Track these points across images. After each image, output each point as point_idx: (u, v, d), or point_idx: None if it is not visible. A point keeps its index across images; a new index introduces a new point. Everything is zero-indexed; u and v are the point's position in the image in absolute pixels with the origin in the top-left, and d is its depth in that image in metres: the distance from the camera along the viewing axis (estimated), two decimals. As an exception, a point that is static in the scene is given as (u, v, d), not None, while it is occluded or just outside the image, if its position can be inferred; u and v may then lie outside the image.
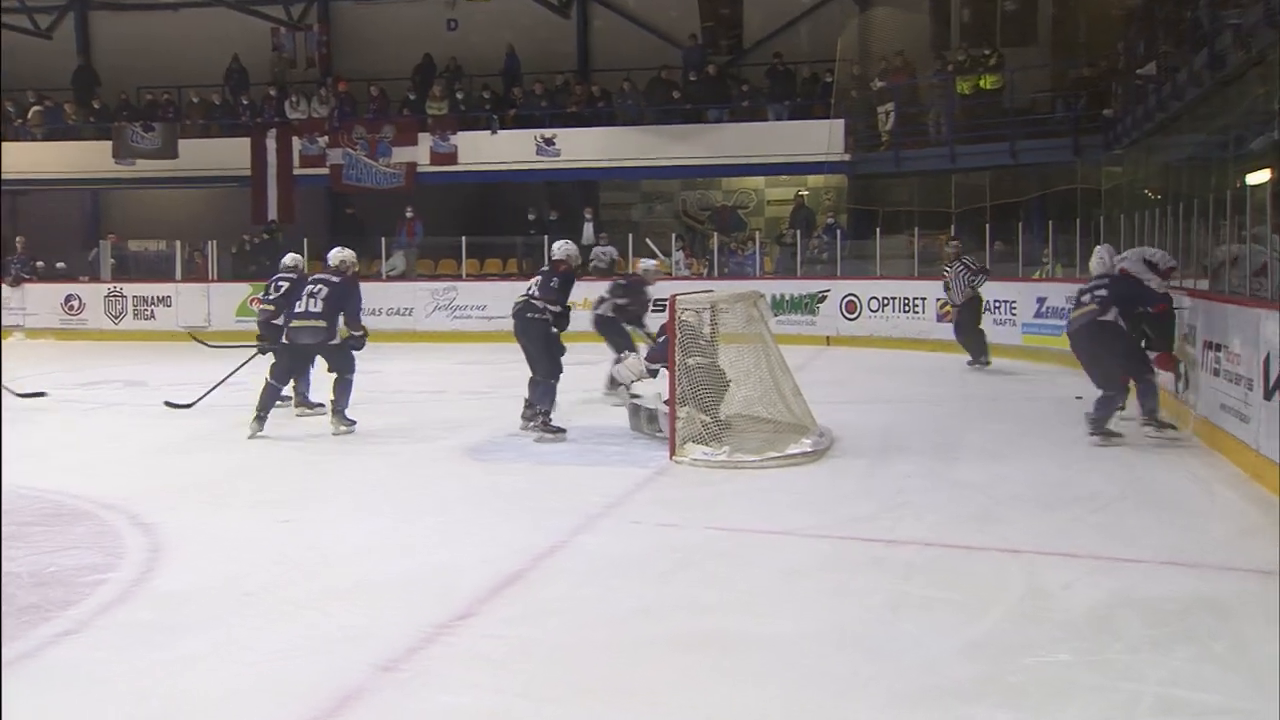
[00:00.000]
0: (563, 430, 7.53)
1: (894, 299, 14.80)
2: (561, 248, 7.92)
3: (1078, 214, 13.53)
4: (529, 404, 7.73)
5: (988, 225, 14.64)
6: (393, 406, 8.61)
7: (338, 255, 8.08)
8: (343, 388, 7.93)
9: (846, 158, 17.36)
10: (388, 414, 8.58)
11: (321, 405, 8.50)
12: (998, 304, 13.11)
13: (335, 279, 7.90)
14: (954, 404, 9.08)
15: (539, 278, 7.74)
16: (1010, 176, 15.95)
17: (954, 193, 16.32)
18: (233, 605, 4.06)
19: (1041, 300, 12.73)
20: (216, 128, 19.64)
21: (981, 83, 15.93)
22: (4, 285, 17.55)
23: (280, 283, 9.06)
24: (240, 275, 17.97)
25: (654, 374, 7.57)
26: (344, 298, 7.80)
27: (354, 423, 7.89)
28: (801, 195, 18.88)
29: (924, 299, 14.40)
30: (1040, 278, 13.72)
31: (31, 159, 19.01)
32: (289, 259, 9.43)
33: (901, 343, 14.31)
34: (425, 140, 18.57)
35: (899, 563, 4.56)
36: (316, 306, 7.78)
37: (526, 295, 7.69)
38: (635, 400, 7.76)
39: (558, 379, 7.65)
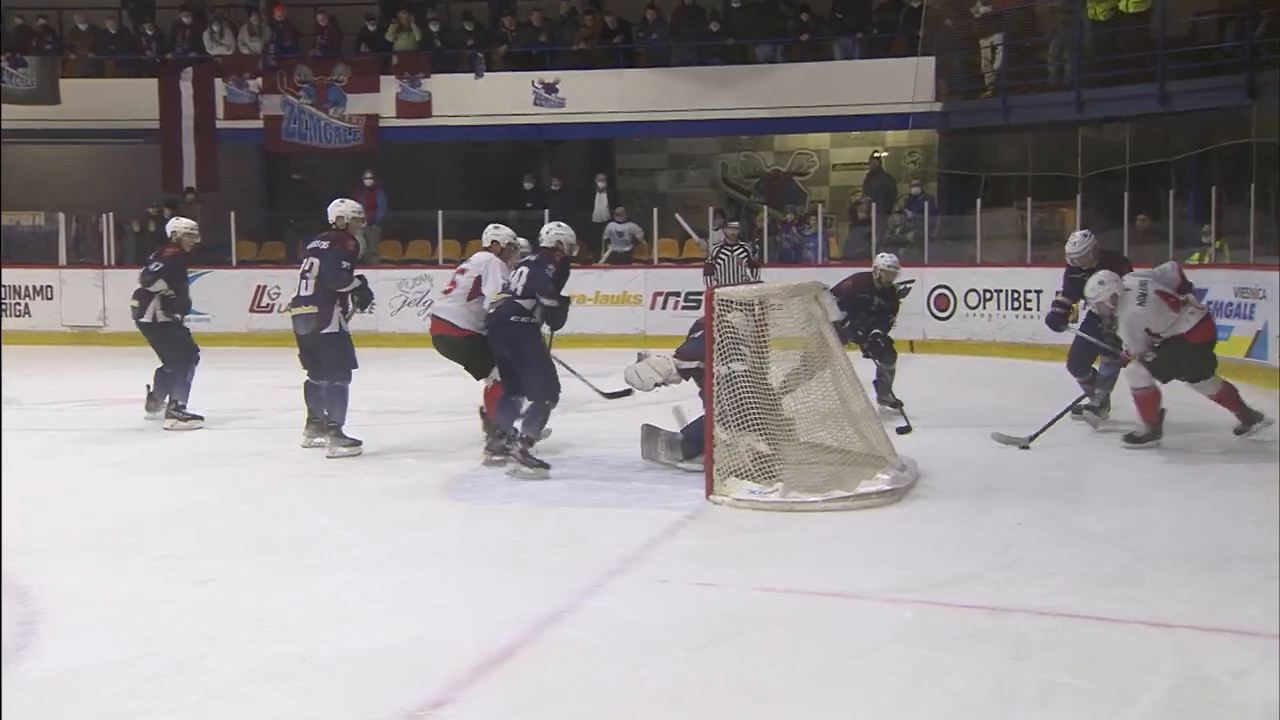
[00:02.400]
0: (546, 466, 7.51)
1: (999, 292, 14.77)
2: (551, 233, 8.01)
3: (1252, 177, 13.40)
4: (499, 429, 7.79)
5: (1126, 194, 14.58)
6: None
7: (335, 210, 8.60)
8: (334, 396, 8.27)
9: (938, 107, 17.36)
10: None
11: (200, 418, 9.30)
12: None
13: (323, 244, 8.38)
14: (1080, 429, 9.03)
15: (525, 268, 7.80)
16: (1158, 129, 15.87)
17: (1081, 152, 16.26)
18: (133, 692, 4.07)
19: (1199, 294, 12.62)
20: (112, 65, 19.79)
21: (1121, 4, 15.85)
22: None
23: (155, 265, 9.57)
24: (146, 259, 18.09)
25: (686, 377, 7.57)
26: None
27: (358, 443, 8.29)
28: (878, 157, 18.89)
29: (1039, 292, 14.32)
30: (1199, 263, 13.62)
31: None
32: (174, 224, 9.83)
33: (1009, 348, 14.25)
34: (390, 85, 18.69)
35: (1008, 637, 4.54)
36: (308, 289, 8.25)
37: (507, 293, 7.74)
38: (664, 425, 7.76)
39: (554, 400, 7.65)
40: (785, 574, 5.47)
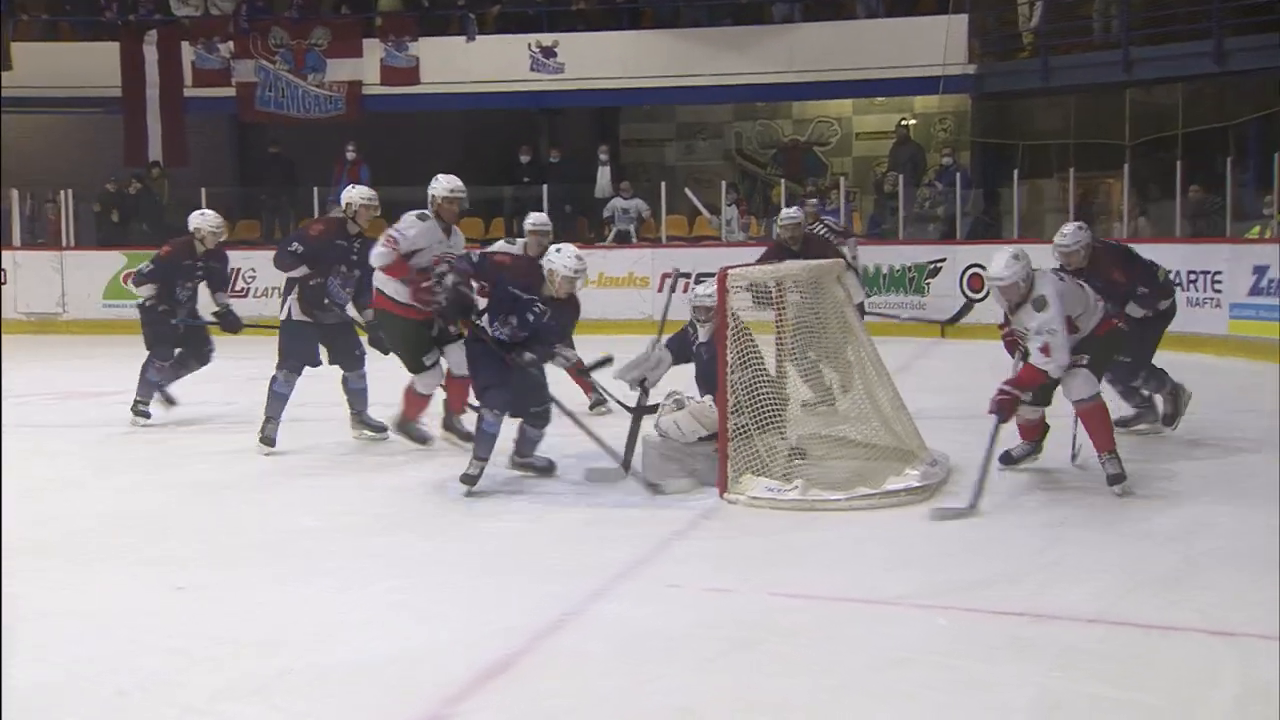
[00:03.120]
0: (474, 479, 7.07)
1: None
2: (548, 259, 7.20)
3: (1318, 143, 13.41)
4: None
5: (1178, 163, 14.56)
6: (330, 428, 8.66)
7: (345, 195, 8.70)
8: (269, 386, 8.38)
9: (971, 70, 17.34)
10: (322, 439, 8.65)
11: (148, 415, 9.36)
12: (1193, 276, 13.03)
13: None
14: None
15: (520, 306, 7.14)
16: (1214, 91, 15.84)
17: (1129, 117, 16.24)
18: (102, 710, 4.10)
19: (1260, 270, 12.64)
20: (68, 27, 19.79)
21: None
22: None
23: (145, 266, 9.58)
24: (109, 240, 18.11)
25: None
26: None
27: (271, 442, 8.31)
28: (906, 125, 18.86)
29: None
30: (1259, 237, 13.61)
31: None
32: (198, 220, 9.46)
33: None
34: (374, 49, 18.69)
35: (1051, 646, 4.55)
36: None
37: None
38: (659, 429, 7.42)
39: (490, 408, 7.10)
40: (806, 578, 5.48)
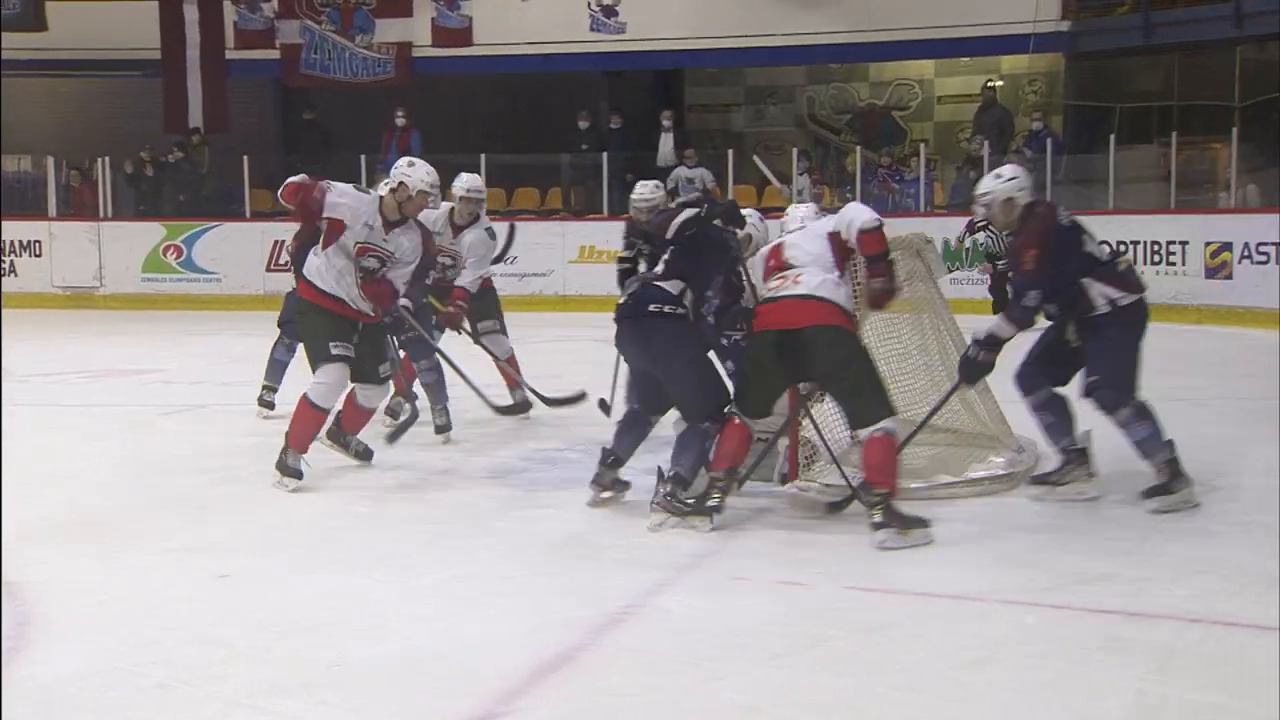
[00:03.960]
0: (715, 510, 6.14)
1: (1136, 244, 14.62)
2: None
3: None
4: (609, 457, 6.56)
5: (1292, 127, 14.37)
6: (379, 412, 8.73)
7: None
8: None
9: (1064, 27, 17.15)
10: (373, 424, 8.68)
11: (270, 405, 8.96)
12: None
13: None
14: (1235, 403, 8.92)
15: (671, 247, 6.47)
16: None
17: (1239, 76, 15.99)
18: (140, 702, 4.14)
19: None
20: (107, -13, 19.99)
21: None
22: None
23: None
24: (147, 210, 18.33)
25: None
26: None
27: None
28: (992, 87, 18.69)
29: (1184, 244, 14.20)
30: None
31: None
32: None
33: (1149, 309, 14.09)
34: (424, 8, 18.77)
35: (1149, 648, 4.51)
36: None
37: (641, 278, 6.57)
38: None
39: (717, 420, 6.26)
40: (883, 571, 5.47)
